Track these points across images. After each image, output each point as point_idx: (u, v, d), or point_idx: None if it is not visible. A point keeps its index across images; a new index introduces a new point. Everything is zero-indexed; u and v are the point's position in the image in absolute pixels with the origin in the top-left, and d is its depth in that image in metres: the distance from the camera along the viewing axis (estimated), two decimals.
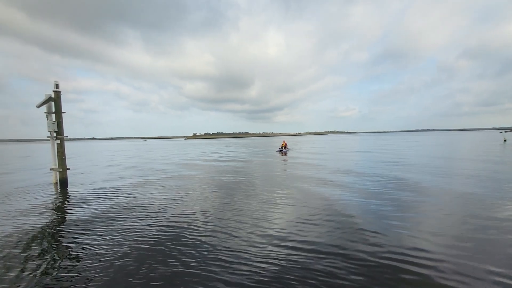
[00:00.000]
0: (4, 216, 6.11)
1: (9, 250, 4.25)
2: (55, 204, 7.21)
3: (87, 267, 3.66)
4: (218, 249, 4.09)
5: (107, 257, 3.93)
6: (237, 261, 3.70)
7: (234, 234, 4.69)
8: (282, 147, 27.54)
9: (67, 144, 9.75)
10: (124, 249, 4.19)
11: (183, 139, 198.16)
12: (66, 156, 9.76)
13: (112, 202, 7.24)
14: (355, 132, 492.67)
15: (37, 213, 6.32)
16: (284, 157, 19.98)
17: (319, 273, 3.33)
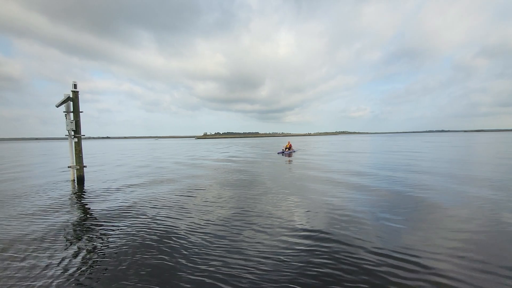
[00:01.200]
0: (25, 212, 6.47)
1: (35, 245, 4.52)
2: (73, 200, 7.56)
3: (104, 258, 3.87)
4: (218, 245, 4.21)
5: (123, 248, 4.13)
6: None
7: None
8: (285, 149, 24.46)
9: (83, 143, 10.15)
10: (137, 241, 4.39)
11: (193, 138, 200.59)
12: (83, 154, 10.17)
13: (126, 197, 7.54)
14: (367, 133, 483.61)
15: (57, 209, 6.65)
16: (286, 160, 18.19)
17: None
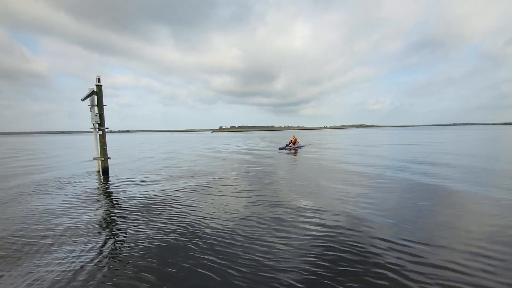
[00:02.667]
0: (53, 202, 6.81)
1: (66, 233, 4.75)
2: (99, 190, 7.90)
3: (129, 246, 3.98)
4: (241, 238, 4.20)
5: (145, 236, 4.25)
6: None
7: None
8: (289, 143, 21.64)
9: (106, 136, 10.51)
10: (159, 231, 4.49)
11: (209, 132, 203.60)
12: (107, 147, 10.55)
13: (148, 187, 7.75)
14: (386, 126, 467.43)
15: (84, 198, 6.96)
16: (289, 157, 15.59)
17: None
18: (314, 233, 4.33)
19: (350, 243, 3.94)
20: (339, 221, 4.79)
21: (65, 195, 7.27)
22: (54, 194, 7.34)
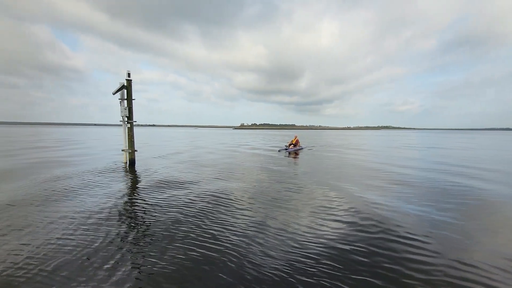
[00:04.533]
0: (85, 190, 7.39)
1: (96, 219, 5.16)
2: (126, 179, 8.43)
3: (147, 233, 4.25)
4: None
5: (164, 225, 4.50)
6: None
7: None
8: (289, 145, 19.72)
9: (135, 129, 11.11)
10: (179, 214, 4.72)
11: (231, 128, 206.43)
12: (135, 139, 11.16)
13: (172, 179, 8.13)
14: (414, 129, 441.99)
15: (112, 187, 7.47)
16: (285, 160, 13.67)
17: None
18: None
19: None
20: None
21: (91, 184, 7.87)
22: (86, 179, 7.98)
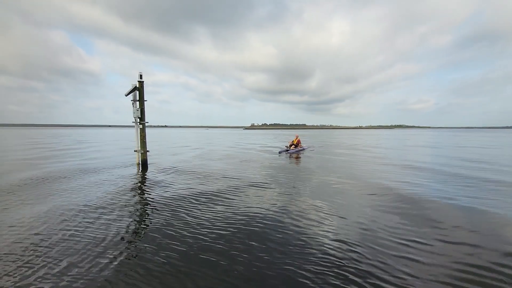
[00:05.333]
0: (98, 188, 7.39)
1: (101, 211, 5.08)
2: (138, 179, 8.41)
3: (155, 234, 4.10)
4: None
5: (170, 224, 4.35)
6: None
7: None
8: (290, 146, 17.83)
9: (147, 130, 11.14)
10: (187, 223, 4.56)
11: (241, 129, 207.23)
12: (147, 140, 11.18)
13: (183, 177, 8.05)
14: (428, 127, 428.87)
15: (124, 187, 7.43)
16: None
17: None
18: None
19: None
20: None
21: (105, 183, 7.88)
22: (98, 177, 8.01)
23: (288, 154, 16.08)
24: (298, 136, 18.89)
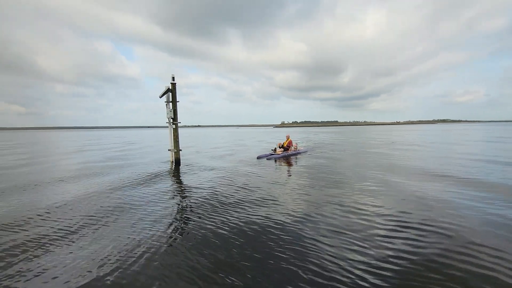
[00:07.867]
0: (136, 183, 7.98)
1: (139, 208, 5.46)
2: (171, 177, 8.94)
3: (190, 232, 4.28)
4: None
5: (204, 225, 4.50)
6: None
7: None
8: (280, 147, 14.57)
9: (180, 130, 11.72)
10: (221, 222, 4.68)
11: (271, 127, 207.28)
12: (180, 139, 11.76)
13: (211, 175, 8.34)
14: (478, 121, 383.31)
15: (159, 182, 7.95)
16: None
17: None
18: None
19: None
20: None
21: (141, 178, 8.48)
22: (136, 175, 8.67)
23: (273, 160, 12.61)
24: (289, 137, 15.63)
